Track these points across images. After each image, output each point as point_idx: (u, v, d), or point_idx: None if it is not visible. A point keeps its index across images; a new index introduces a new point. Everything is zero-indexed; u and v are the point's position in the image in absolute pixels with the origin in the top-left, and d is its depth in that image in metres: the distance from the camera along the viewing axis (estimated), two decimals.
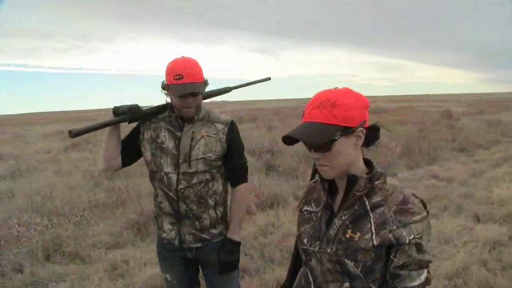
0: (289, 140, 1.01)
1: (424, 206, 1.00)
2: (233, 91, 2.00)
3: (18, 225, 3.95)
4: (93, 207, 4.82)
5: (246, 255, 3.55)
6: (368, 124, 1.03)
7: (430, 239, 0.99)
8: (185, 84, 1.62)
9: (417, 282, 0.95)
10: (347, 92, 1.00)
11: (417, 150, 7.86)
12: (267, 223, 4.28)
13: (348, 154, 1.00)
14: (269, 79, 2.09)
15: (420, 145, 8.17)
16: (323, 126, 0.97)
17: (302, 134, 0.97)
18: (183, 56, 1.71)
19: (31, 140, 13.20)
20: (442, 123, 12.05)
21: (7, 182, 6.71)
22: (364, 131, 1.01)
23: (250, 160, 7.21)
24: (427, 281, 0.96)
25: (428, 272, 0.97)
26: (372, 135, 1.05)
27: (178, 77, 1.62)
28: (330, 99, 0.98)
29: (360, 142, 1.02)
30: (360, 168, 1.04)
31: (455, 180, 6.03)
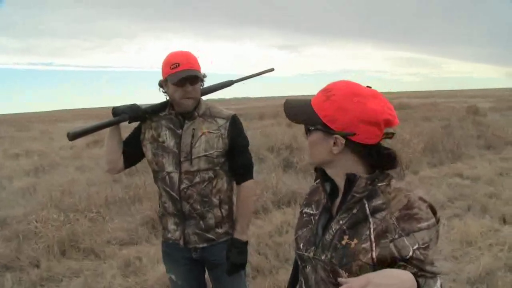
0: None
1: (433, 212, 0.88)
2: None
3: (36, 220, 4.02)
4: (110, 203, 4.86)
5: (260, 254, 3.48)
6: (378, 142, 0.90)
7: (436, 251, 0.88)
8: (182, 71, 1.59)
9: None
10: (358, 94, 0.87)
11: (440, 147, 7.59)
12: (283, 221, 4.19)
13: (321, 153, 0.94)
14: (272, 69, 2.06)
15: (444, 142, 7.90)
16: (310, 111, 0.92)
17: (290, 106, 0.97)
18: (177, 50, 1.68)
19: (57, 137, 13.50)
20: (468, 119, 11.63)
21: (30, 178, 6.88)
22: (344, 142, 0.88)
23: (269, 156, 7.13)
24: None
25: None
26: (386, 161, 0.92)
27: (174, 65, 1.59)
28: (331, 90, 0.90)
29: (336, 151, 0.90)
30: (355, 170, 0.93)
31: (480, 179, 5.77)
